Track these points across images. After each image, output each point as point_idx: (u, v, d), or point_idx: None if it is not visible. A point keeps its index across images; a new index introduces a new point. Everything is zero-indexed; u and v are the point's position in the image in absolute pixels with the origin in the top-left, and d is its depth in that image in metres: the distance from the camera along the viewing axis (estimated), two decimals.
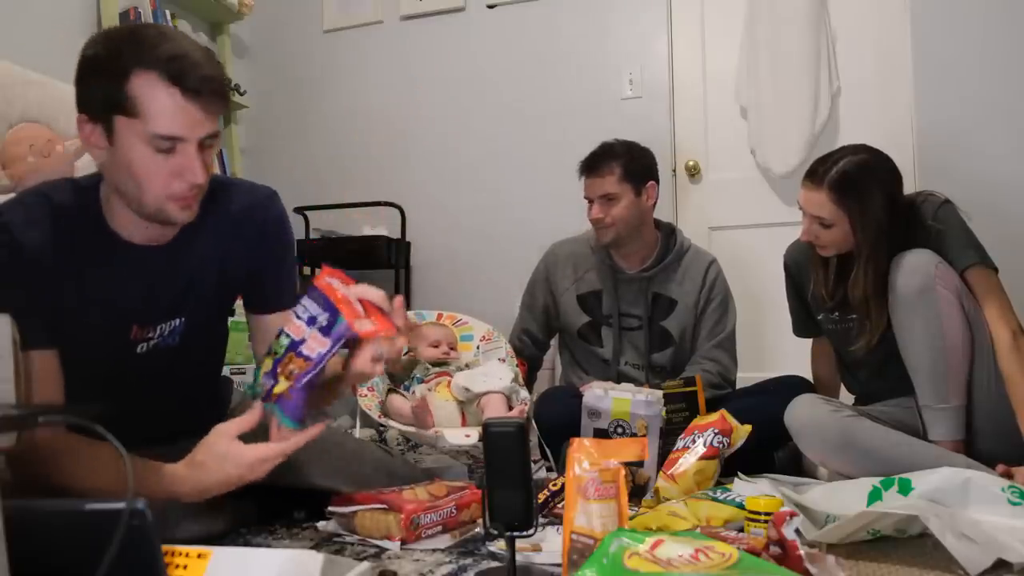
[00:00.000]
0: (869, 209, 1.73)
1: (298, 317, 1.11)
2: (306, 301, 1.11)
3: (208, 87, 1.15)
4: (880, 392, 1.86)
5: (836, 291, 1.88)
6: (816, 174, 1.77)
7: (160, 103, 1.12)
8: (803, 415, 1.74)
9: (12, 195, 1.88)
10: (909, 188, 2.07)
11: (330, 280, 1.11)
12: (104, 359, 1.28)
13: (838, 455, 1.69)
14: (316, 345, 1.07)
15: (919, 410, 1.72)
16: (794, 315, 2.10)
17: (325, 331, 1.07)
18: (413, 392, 2.11)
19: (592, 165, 2.20)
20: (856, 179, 1.74)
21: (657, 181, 2.24)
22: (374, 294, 1.10)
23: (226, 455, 1.12)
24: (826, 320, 1.95)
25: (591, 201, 2.20)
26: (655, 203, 2.25)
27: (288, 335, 1.11)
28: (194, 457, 1.14)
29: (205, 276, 1.36)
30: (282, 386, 1.08)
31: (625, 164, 2.18)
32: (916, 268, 1.67)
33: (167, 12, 3.10)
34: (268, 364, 1.13)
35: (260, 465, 1.13)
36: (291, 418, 1.08)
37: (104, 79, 1.13)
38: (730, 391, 2.15)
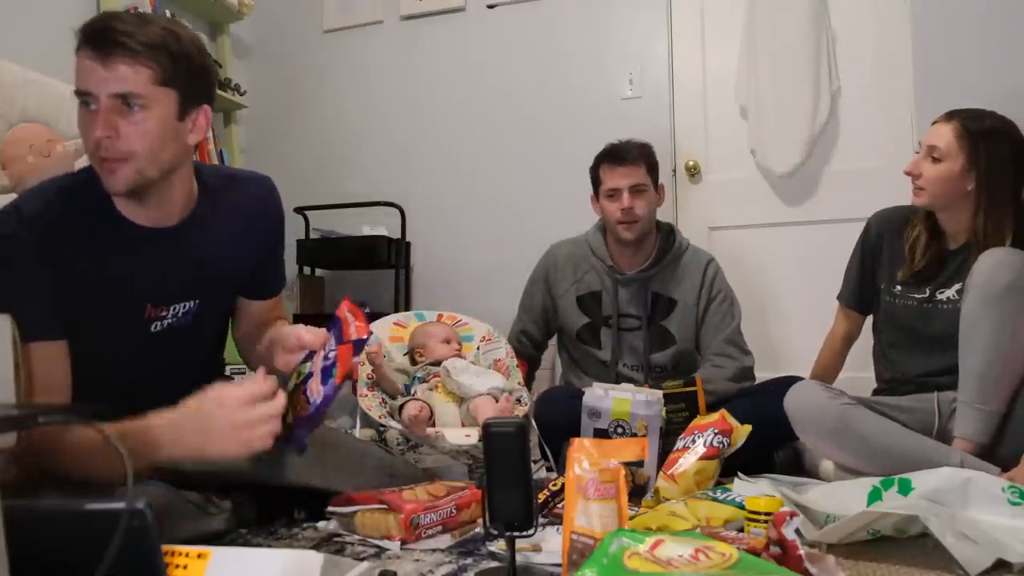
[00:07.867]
0: (992, 155, 1.72)
1: (325, 345, 1.21)
2: (332, 332, 1.21)
3: (108, 39, 1.19)
4: (909, 387, 1.81)
5: (920, 263, 1.82)
6: (953, 111, 1.79)
7: (78, 64, 1.21)
8: (802, 399, 1.75)
9: (12, 195, 1.89)
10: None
11: (347, 313, 1.21)
12: (119, 338, 1.31)
13: (833, 440, 1.69)
14: (315, 390, 1.17)
15: (955, 403, 1.67)
16: (850, 282, 2.05)
17: (324, 375, 1.17)
18: (414, 393, 2.10)
19: (625, 154, 2.17)
20: (990, 126, 1.74)
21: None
22: None
23: (217, 397, 1.15)
24: (887, 291, 1.90)
25: (615, 193, 2.15)
26: (662, 203, 2.27)
27: (308, 364, 1.23)
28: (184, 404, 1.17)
29: (216, 261, 1.40)
30: (288, 417, 1.19)
31: (648, 159, 2.21)
32: (1009, 265, 1.63)
33: (167, 12, 3.10)
34: (291, 383, 1.25)
35: (247, 405, 1.13)
36: (296, 448, 1.20)
37: None
38: (753, 384, 2.14)
